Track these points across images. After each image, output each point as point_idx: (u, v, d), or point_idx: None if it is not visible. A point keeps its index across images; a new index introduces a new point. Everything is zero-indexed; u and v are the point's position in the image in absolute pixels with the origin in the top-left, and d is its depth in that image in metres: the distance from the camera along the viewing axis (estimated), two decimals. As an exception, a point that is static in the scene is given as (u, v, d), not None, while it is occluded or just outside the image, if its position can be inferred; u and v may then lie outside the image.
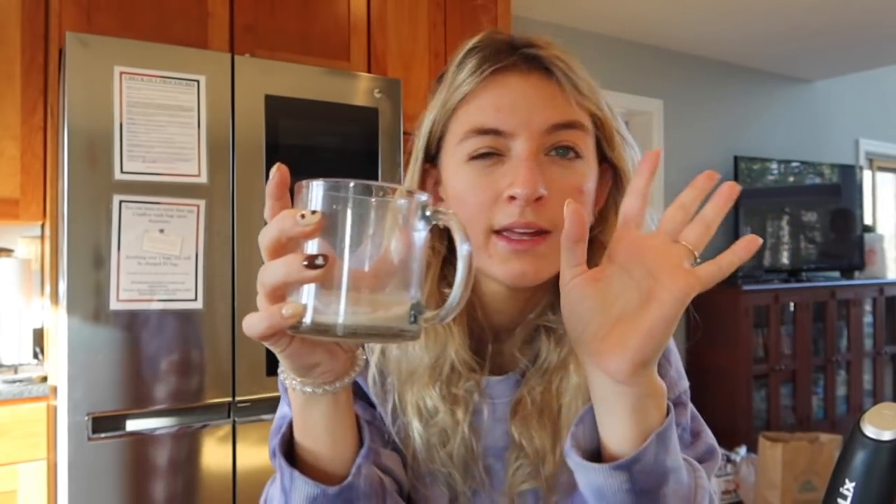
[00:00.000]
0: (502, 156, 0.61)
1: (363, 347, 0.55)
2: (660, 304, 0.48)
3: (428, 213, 0.46)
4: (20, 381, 1.91)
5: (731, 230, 4.25)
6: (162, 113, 1.83)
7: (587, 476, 0.52)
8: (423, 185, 0.67)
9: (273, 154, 1.98)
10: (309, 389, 0.51)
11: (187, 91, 1.86)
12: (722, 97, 4.39)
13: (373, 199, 0.44)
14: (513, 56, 0.62)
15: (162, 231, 1.80)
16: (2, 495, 1.81)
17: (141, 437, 1.79)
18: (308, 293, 0.43)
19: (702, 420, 0.72)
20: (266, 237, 0.44)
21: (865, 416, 0.52)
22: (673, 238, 0.50)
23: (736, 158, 4.15)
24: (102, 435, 1.74)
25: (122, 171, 1.77)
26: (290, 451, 0.55)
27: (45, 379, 1.93)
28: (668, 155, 4.10)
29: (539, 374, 0.65)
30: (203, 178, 1.87)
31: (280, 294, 0.44)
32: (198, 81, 1.88)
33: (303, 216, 0.42)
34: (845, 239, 4.64)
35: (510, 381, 0.67)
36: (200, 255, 1.85)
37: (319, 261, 0.41)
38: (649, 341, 0.49)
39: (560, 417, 0.63)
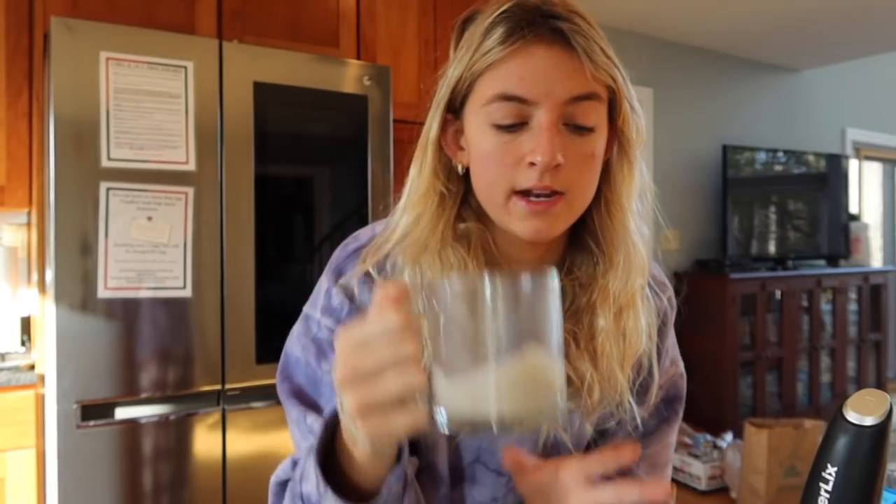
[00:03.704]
0: (525, 123, 0.65)
1: None
2: None
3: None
4: (7, 369, 1.90)
5: (719, 219, 4.27)
6: (149, 99, 1.81)
7: None
8: (443, 134, 0.71)
9: (262, 141, 1.97)
10: (373, 449, 0.54)
11: (175, 77, 1.85)
12: (711, 86, 4.40)
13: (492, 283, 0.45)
14: (538, 27, 0.65)
15: (150, 219, 1.79)
16: (-10, 483, 1.81)
17: (130, 425, 1.79)
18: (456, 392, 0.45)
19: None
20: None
21: (848, 402, 0.52)
22: None
23: (724, 147, 4.16)
24: (91, 423, 1.74)
25: (109, 159, 1.76)
26: (326, 453, 0.59)
27: (32, 367, 1.92)
28: (658, 144, 4.10)
29: (570, 314, 0.73)
30: (191, 166, 1.86)
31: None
32: (185, 68, 1.86)
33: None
34: (831, 227, 4.67)
35: None
36: (189, 243, 1.84)
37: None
38: None
39: (596, 352, 0.72)
